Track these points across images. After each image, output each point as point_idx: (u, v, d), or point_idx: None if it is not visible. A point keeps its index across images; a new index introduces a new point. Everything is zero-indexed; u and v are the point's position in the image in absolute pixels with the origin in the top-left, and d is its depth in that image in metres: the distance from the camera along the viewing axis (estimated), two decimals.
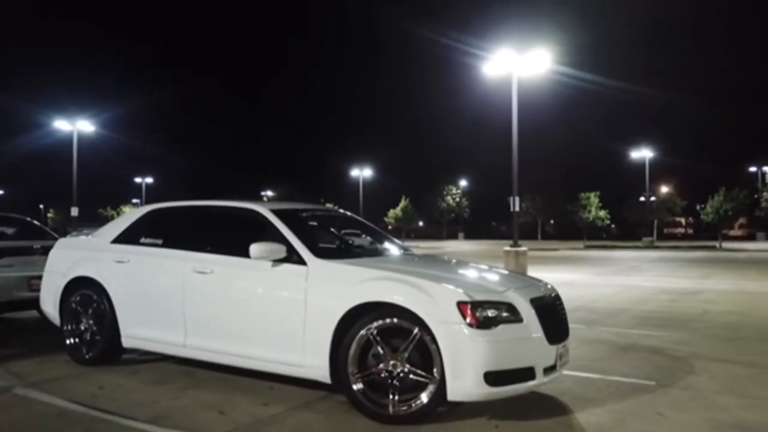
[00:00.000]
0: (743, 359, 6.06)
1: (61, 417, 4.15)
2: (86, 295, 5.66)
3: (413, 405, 3.99)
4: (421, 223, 78.86)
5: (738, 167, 63.12)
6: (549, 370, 4.11)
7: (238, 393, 4.71)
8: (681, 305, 10.46)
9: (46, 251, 6.54)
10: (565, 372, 4.74)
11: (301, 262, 4.59)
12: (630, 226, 66.33)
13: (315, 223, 6.02)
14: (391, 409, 4.02)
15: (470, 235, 73.83)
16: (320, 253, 4.68)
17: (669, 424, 4.09)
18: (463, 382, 3.85)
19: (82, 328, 5.65)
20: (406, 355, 4.04)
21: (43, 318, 6.47)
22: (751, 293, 12.57)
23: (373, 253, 5.62)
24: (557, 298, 4.62)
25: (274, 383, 4.87)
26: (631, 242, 50.92)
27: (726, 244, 43.23)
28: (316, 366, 4.33)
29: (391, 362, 4.06)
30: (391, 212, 64.05)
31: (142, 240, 5.61)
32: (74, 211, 32.43)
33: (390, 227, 61.84)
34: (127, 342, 5.43)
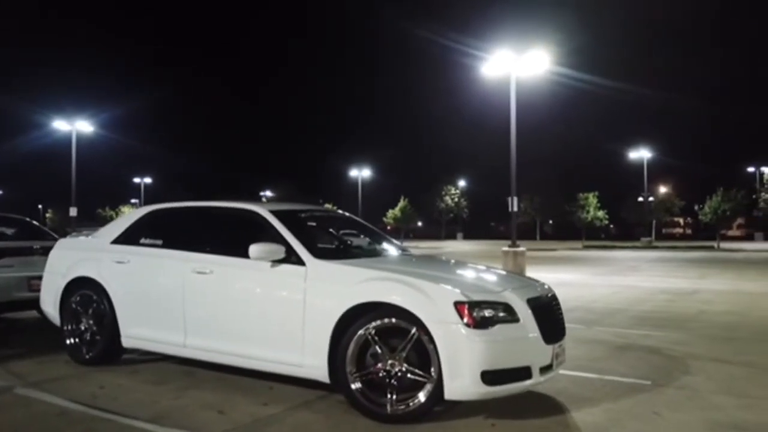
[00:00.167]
0: (740, 359, 6.09)
1: (62, 417, 4.18)
2: (86, 295, 5.69)
3: (411, 404, 4.02)
4: (419, 224, 78.88)
5: (736, 167, 63.17)
6: (545, 369, 4.15)
7: (237, 393, 4.74)
8: (679, 305, 10.50)
9: (45, 252, 6.57)
10: (563, 372, 4.79)
11: (299, 262, 4.62)
12: (628, 226, 66.42)
13: (314, 224, 6.05)
14: (389, 408, 4.05)
15: (469, 236, 73.88)
16: (319, 254, 4.71)
17: (665, 424, 4.13)
18: (461, 381, 3.89)
19: (83, 328, 5.68)
20: (404, 354, 4.07)
21: (43, 318, 6.50)
22: (749, 293, 12.62)
23: (371, 253, 5.65)
24: (553, 298, 4.65)
25: (273, 383, 4.91)
26: (629, 242, 51.01)
27: (724, 245, 43.30)
28: (315, 366, 4.37)
29: (389, 362, 4.10)
30: (390, 212, 64.11)
31: (142, 240, 5.63)
32: (73, 212, 32.48)
33: (389, 227, 61.90)
34: (127, 342, 5.46)
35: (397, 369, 4.08)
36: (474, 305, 3.98)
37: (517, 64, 19.15)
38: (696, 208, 47.04)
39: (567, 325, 4.68)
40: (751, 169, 59.44)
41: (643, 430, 4.02)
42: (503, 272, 5.36)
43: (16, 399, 4.61)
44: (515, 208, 18.99)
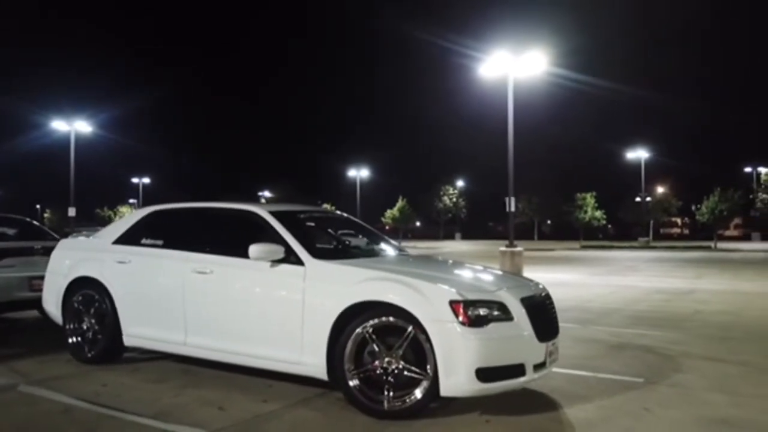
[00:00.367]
0: (733, 358, 6.18)
1: (67, 413, 4.26)
2: (88, 294, 5.77)
3: (407, 401, 4.11)
4: (418, 224, 78.94)
5: (733, 167, 63.23)
6: (539, 366, 4.24)
7: (236, 390, 4.82)
8: (675, 305, 10.59)
9: (46, 252, 6.64)
10: (557, 370, 4.87)
11: (298, 262, 4.71)
12: (626, 226, 66.44)
13: (312, 225, 6.14)
14: (386, 404, 4.14)
15: (467, 236, 73.91)
16: (317, 254, 4.80)
17: (655, 420, 4.22)
18: (456, 378, 3.98)
19: (84, 327, 5.76)
20: (400, 352, 4.16)
21: (43, 318, 6.57)
22: (745, 293, 12.71)
23: (369, 253, 5.74)
24: (547, 297, 4.74)
25: (272, 381, 4.99)
26: (627, 242, 51.11)
27: (721, 245, 43.41)
28: (314, 363, 4.45)
29: (386, 359, 4.19)
30: (389, 212, 64.13)
31: (143, 241, 5.71)
32: (71, 212, 32.48)
33: (387, 227, 61.93)
34: (128, 341, 5.54)
35: (394, 366, 4.17)
36: (469, 304, 4.07)
37: (514, 65, 19.25)
38: (693, 208, 47.03)
39: (563, 324, 4.77)
40: (748, 169, 59.52)
41: (633, 426, 4.10)
42: (498, 272, 5.45)
43: (20, 397, 4.69)
44: (513, 209, 19.07)
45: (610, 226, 72.60)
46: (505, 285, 4.57)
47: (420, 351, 4.10)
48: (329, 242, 6.08)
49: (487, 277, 4.95)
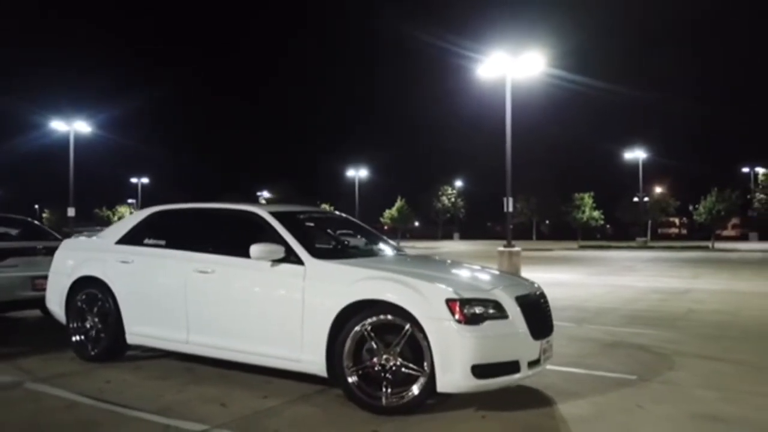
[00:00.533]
0: (727, 357, 6.25)
1: (72, 409, 4.36)
2: (91, 294, 5.85)
3: (405, 397, 4.21)
4: (416, 224, 78.95)
5: (731, 168, 63.37)
6: (533, 363, 4.33)
7: (237, 387, 4.92)
8: (671, 304, 10.67)
9: (48, 252, 6.73)
10: (552, 367, 4.97)
11: (298, 262, 4.80)
12: (624, 226, 66.49)
13: (312, 225, 6.23)
14: (384, 400, 4.24)
15: (465, 236, 73.99)
16: (317, 254, 4.89)
17: (647, 416, 4.31)
18: (452, 375, 4.07)
19: (88, 326, 5.85)
20: (398, 349, 4.26)
21: (45, 317, 6.64)
22: (741, 293, 12.79)
23: (367, 253, 5.83)
24: (542, 296, 4.84)
25: (272, 378, 5.08)
26: (625, 242, 51.17)
27: (719, 245, 43.52)
28: (314, 361, 4.55)
29: (384, 357, 4.28)
30: (387, 212, 64.20)
31: (146, 241, 5.80)
32: (71, 212, 32.53)
33: (386, 227, 62.01)
34: (131, 339, 5.63)
35: (391, 363, 4.27)
36: (465, 302, 4.17)
37: (512, 66, 19.36)
38: (691, 208, 47.15)
39: (559, 323, 4.86)
40: (745, 170, 59.72)
41: (626, 421, 4.20)
42: (495, 271, 5.54)
43: (26, 393, 4.78)
44: (511, 209, 19.17)
45: (608, 226, 72.79)
46: (501, 284, 4.67)
47: (417, 348, 4.20)
48: (328, 242, 6.17)
49: (483, 277, 5.05)
